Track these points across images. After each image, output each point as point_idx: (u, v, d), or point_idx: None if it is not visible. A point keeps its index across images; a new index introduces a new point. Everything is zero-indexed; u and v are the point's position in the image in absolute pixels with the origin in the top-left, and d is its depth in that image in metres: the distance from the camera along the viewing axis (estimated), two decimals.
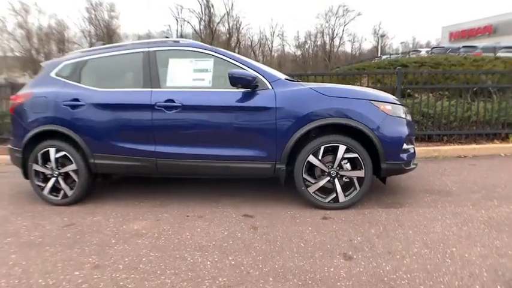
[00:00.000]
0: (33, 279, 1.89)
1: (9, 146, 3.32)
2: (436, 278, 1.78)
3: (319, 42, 44.65)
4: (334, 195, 2.71)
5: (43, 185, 3.07)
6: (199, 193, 3.26)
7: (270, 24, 55.76)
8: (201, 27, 40.25)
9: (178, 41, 3.12)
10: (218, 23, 39.95)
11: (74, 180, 3.02)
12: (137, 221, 2.68)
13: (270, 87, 2.73)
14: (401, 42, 42.95)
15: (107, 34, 33.24)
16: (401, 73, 5.09)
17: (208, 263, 2.01)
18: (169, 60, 2.93)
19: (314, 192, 2.74)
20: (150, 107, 2.81)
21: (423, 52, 21.39)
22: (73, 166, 2.98)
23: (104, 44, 3.33)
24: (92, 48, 3.29)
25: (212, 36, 38.42)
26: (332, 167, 2.69)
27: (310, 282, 1.79)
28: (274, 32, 50.55)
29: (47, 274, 1.93)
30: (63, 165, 3.02)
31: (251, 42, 43.96)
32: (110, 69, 3.11)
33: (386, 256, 2.02)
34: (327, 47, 44.24)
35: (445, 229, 2.36)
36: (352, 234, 2.33)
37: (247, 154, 2.75)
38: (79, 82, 3.04)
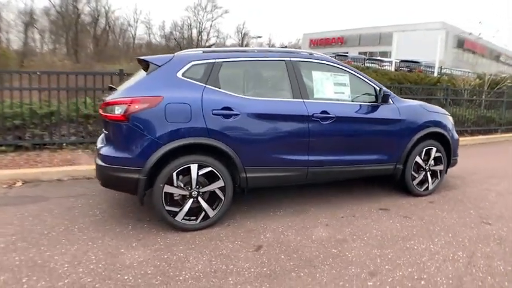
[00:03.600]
0: None
1: (106, 164, 2.62)
2: None
3: (186, 35, 44.89)
4: (427, 185, 3.75)
5: (176, 209, 2.68)
6: (312, 196, 3.62)
7: (134, 10, 51.49)
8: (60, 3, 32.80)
9: (312, 54, 3.35)
10: (85, 3, 33.78)
11: (218, 199, 2.80)
12: (310, 229, 2.91)
13: (391, 102, 3.45)
14: (260, 43, 48.62)
15: None
16: None
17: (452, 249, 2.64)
18: (312, 72, 3.16)
19: (416, 184, 3.68)
20: (307, 118, 3.01)
21: None
22: (220, 183, 2.78)
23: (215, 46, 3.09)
24: (216, 48, 3.02)
25: (77, 17, 32.03)
26: (427, 164, 3.70)
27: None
28: (138, 19, 46.67)
29: None
30: (203, 183, 2.75)
31: (113, 27, 39.24)
32: (252, 76, 3.03)
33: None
34: (195, 40, 44.94)
35: None
36: (467, 210, 3.41)
37: (379, 158, 3.42)
38: (219, 87, 2.80)
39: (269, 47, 55.81)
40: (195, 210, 2.77)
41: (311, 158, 3.10)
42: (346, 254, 2.50)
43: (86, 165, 4.26)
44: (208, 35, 49.19)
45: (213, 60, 2.87)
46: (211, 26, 48.87)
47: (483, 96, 9.11)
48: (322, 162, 3.15)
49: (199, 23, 47.65)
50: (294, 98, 3.05)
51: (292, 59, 3.13)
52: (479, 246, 2.67)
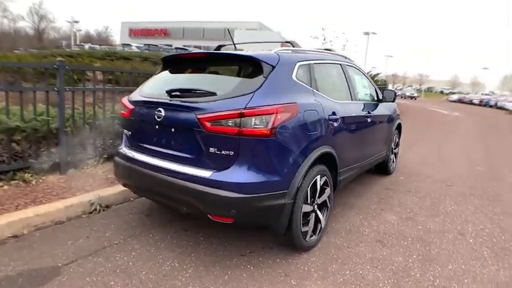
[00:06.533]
0: None
1: (243, 194, 2.11)
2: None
3: None
4: (394, 165, 4.98)
5: (306, 228, 2.58)
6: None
7: None
8: None
9: (347, 57, 3.68)
10: None
11: (324, 207, 2.85)
12: (378, 216, 3.40)
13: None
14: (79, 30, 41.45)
15: None
16: None
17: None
18: (353, 76, 3.58)
19: (390, 165, 4.81)
20: (363, 118, 3.44)
21: (133, 47, 23.57)
22: (329, 190, 2.83)
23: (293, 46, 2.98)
24: (301, 48, 2.92)
25: None
26: (394, 148, 4.90)
27: None
28: None
29: None
30: (319, 195, 2.74)
31: None
32: (328, 78, 3.10)
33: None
34: None
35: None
36: (428, 179, 4.77)
37: (383, 147, 4.28)
38: (318, 91, 2.80)
39: (75, 33, 47.50)
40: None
41: (365, 153, 3.56)
42: (429, 227, 3.18)
43: (43, 206, 2.92)
44: None
45: (309, 62, 2.77)
46: None
47: None
48: (367, 157, 3.67)
49: None
50: (351, 100, 3.37)
51: (342, 63, 3.43)
52: (471, 199, 3.99)
